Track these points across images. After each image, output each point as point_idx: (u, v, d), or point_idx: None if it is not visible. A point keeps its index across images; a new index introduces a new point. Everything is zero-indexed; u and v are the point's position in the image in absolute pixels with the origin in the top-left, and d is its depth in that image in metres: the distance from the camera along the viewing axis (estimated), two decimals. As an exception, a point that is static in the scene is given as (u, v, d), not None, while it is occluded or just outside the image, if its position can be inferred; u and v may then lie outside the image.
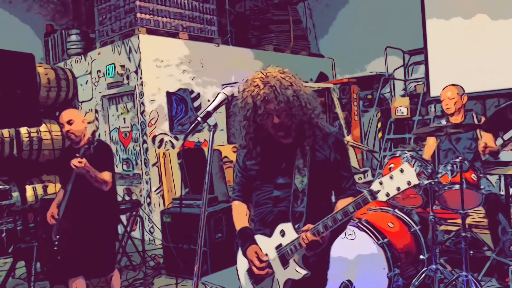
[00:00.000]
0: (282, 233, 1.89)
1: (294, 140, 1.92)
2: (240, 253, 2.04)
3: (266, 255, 1.92)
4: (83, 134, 3.32)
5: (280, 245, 1.89)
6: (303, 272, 1.84)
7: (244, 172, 2.08)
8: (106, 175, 3.19)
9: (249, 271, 1.99)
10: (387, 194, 1.57)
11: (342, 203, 1.85)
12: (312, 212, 1.86)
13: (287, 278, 1.88)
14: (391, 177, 1.56)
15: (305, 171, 1.88)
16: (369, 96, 8.07)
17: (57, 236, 3.18)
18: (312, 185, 1.89)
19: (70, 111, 3.41)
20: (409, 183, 1.53)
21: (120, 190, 6.59)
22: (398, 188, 1.55)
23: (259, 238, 1.98)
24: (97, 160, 3.12)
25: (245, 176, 2.08)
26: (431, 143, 4.05)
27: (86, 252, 3.16)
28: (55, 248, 3.16)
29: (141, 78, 6.03)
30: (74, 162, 2.97)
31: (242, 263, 2.04)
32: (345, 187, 1.96)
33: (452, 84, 3.92)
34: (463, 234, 3.06)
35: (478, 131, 3.76)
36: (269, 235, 1.94)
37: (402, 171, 1.54)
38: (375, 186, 1.60)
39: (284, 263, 1.89)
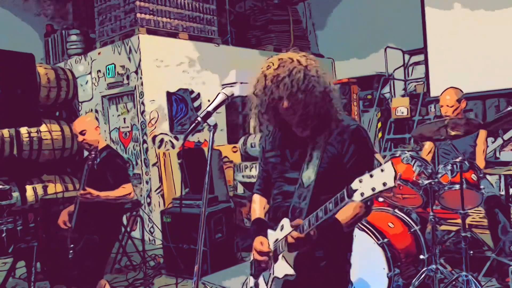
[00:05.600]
0: (282, 228, 1.79)
1: (310, 134, 1.83)
2: None
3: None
4: (98, 141, 3.44)
5: (277, 239, 1.81)
6: (287, 271, 1.74)
7: (264, 165, 2.04)
8: (121, 191, 3.23)
9: (252, 263, 1.95)
10: (362, 194, 1.44)
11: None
12: (315, 210, 1.67)
13: (274, 276, 1.80)
14: (371, 176, 1.44)
15: (314, 167, 1.79)
16: (369, 96, 8.05)
17: (72, 245, 3.21)
18: (320, 181, 1.78)
19: (81, 120, 3.49)
20: (384, 184, 1.40)
21: (120, 190, 6.59)
22: (373, 189, 1.42)
23: (269, 232, 1.90)
24: (106, 176, 3.17)
25: (265, 169, 2.04)
26: (426, 147, 4.02)
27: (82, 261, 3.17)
28: (70, 256, 3.18)
29: (141, 78, 6.03)
30: (78, 194, 3.07)
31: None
32: None
33: (452, 87, 3.81)
34: (463, 234, 3.06)
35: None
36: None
37: (382, 170, 1.42)
38: (354, 184, 1.47)
39: (275, 259, 1.81)
